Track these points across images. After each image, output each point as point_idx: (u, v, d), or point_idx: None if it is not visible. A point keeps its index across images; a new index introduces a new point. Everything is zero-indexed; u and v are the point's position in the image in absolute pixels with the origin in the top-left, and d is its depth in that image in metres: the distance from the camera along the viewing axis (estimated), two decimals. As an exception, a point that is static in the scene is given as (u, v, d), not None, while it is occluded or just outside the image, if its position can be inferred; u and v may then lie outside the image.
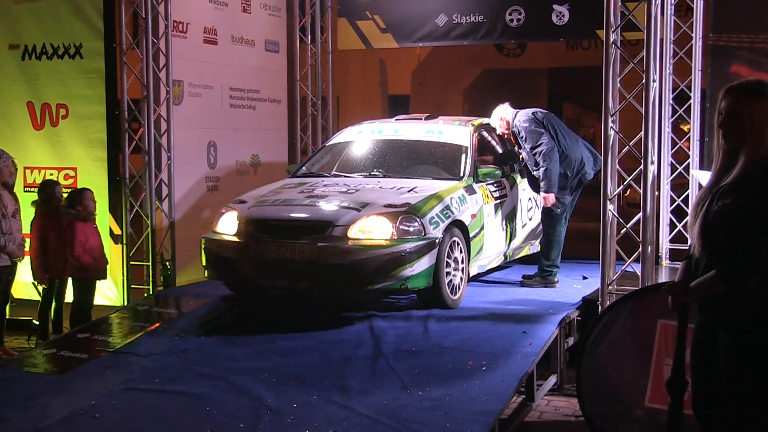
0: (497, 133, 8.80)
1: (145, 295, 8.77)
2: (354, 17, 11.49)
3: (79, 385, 5.93)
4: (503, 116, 8.63)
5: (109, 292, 9.06)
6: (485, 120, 9.30)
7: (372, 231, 7.19)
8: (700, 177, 7.66)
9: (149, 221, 8.84)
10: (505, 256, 8.94)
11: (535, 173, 8.44)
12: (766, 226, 3.66)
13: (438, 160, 8.72)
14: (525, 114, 8.51)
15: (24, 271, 8.40)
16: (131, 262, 8.93)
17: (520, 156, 8.73)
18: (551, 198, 8.36)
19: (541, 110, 8.62)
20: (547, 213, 8.46)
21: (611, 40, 7.15)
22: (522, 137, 8.45)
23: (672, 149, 9.57)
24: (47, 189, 8.37)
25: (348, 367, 6.06)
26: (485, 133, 9.22)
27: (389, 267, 7.05)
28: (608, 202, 7.22)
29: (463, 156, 8.47)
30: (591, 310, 7.39)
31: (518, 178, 9.09)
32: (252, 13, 10.68)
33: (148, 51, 8.77)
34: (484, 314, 7.39)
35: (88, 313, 8.14)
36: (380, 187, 7.91)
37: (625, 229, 7.27)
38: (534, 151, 8.33)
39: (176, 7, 9.06)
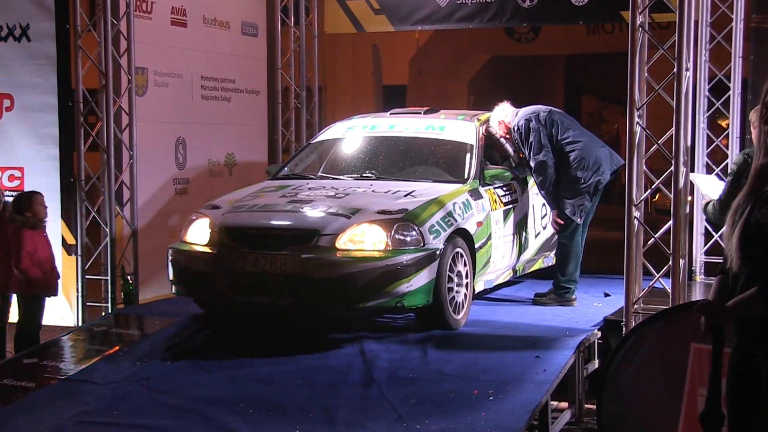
0: (498, 136, 8.81)
1: (103, 313, 8.75)
2: (344, -4, 11.52)
3: (25, 419, 5.90)
4: (501, 119, 8.68)
5: (61, 311, 9.03)
6: (493, 114, 9.32)
7: (363, 241, 7.18)
8: (700, 183, 7.65)
9: (108, 229, 8.83)
10: (516, 270, 8.94)
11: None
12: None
13: (439, 160, 8.71)
14: (523, 113, 8.60)
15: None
16: (87, 276, 8.91)
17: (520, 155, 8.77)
18: (554, 215, 8.50)
19: (544, 109, 8.63)
20: (573, 222, 8.45)
21: (638, 22, 7.16)
22: (519, 141, 8.54)
23: (708, 148, 9.57)
24: (-11, 193, 8.36)
25: (335, 397, 6.03)
26: (493, 129, 9.22)
27: (383, 282, 7.04)
28: (633, 209, 7.22)
29: (468, 155, 8.47)
30: (614, 332, 7.39)
31: (531, 181, 9.09)
32: (227, -9, 10.71)
33: (106, 33, 8.76)
34: (492, 336, 7.37)
35: (35, 335, 8.11)
36: (373, 191, 7.90)
37: (653, 239, 7.27)
38: (529, 160, 8.42)
39: (140, -17, 9.09)
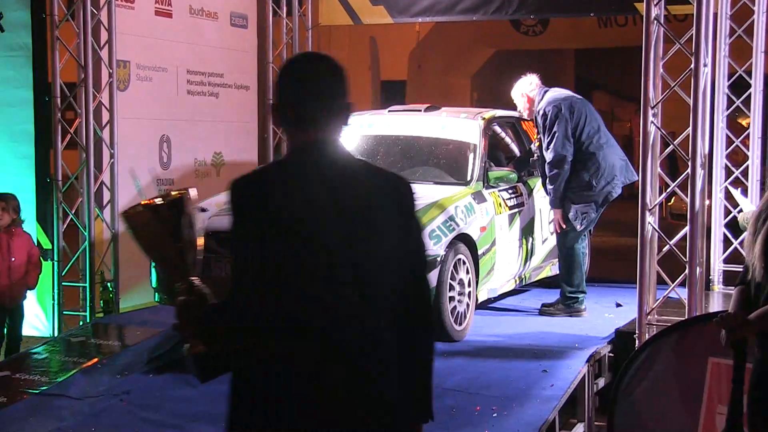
0: (518, 111, 8.72)
1: (81, 323, 8.73)
2: (339, -15, 11.53)
3: (-2, 434, 5.89)
4: (526, 92, 8.57)
5: (35, 320, 9.02)
6: (498, 112, 9.32)
7: (359, 246, 7.17)
8: (736, 193, 7.68)
9: (86, 233, 8.81)
10: (522, 278, 8.94)
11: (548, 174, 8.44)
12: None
13: (440, 161, 8.72)
14: (553, 98, 8.45)
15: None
16: (64, 283, 8.89)
17: (536, 144, 8.69)
18: (558, 215, 8.41)
19: (576, 98, 8.53)
20: (577, 227, 8.43)
21: (653, 14, 7.16)
22: (540, 126, 8.42)
23: (727, 149, 9.57)
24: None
25: (329, 413, 6.01)
26: (498, 129, 9.23)
27: (380, 290, 7.04)
28: (647, 213, 7.21)
29: (471, 156, 8.47)
30: (626, 345, 7.38)
31: (538, 183, 9.09)
32: (215, -20, 10.71)
33: (85, 24, 8.75)
34: (495, 349, 7.39)
35: (15, 345, 8.12)
36: (370, 193, 7.90)
37: (668, 246, 7.27)
38: (546, 149, 8.33)
39: (122, -29, 9.08)
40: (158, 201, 3.32)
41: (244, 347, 3.07)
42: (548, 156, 8.33)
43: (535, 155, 8.77)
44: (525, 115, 8.74)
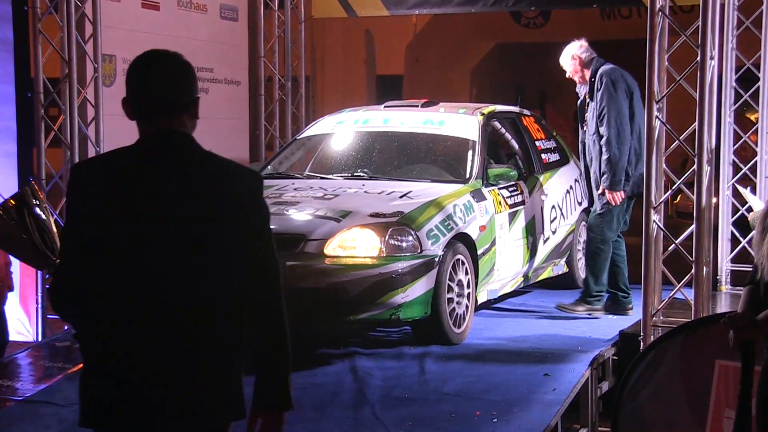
0: (567, 75, 8.59)
1: (65, 327, 8.72)
2: (333, -24, 11.53)
3: (-20, 443, 5.89)
4: (578, 54, 8.38)
5: (18, 324, 9.00)
6: (498, 107, 9.32)
7: (355, 247, 7.19)
8: (746, 193, 7.67)
9: (72, 234, 8.79)
10: (524, 278, 8.94)
11: (597, 154, 8.23)
12: None
13: (438, 158, 8.72)
14: (616, 70, 8.24)
15: None
16: (47, 286, 8.88)
17: (584, 122, 8.44)
18: (618, 196, 8.17)
19: (628, 75, 8.35)
20: (605, 220, 8.30)
21: (658, 6, 7.16)
22: (599, 92, 8.19)
23: (734, 145, 9.58)
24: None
25: (324, 418, 6.03)
26: (498, 124, 9.23)
27: (376, 292, 7.05)
28: (652, 212, 7.22)
29: (470, 153, 8.47)
30: (630, 347, 7.38)
31: (539, 180, 9.09)
32: (204, -29, 10.71)
33: (69, 17, 8.73)
34: (496, 352, 7.39)
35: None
36: (365, 192, 7.91)
37: (673, 245, 7.27)
38: (602, 123, 8.13)
39: (107, -39, 9.06)
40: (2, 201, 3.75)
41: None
42: (607, 131, 8.11)
43: (587, 125, 8.45)
44: (577, 79, 8.52)
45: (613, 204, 8.22)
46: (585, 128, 8.44)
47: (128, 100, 3.38)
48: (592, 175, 8.41)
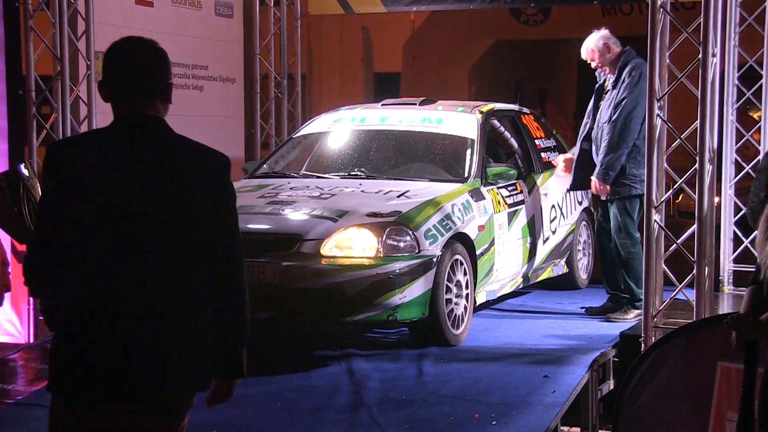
0: (588, 58, 8.47)
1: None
2: (330, -28, 11.53)
3: (-29, 446, 5.88)
4: (610, 43, 8.30)
5: (9, 326, 9.00)
6: (497, 105, 9.32)
7: (351, 247, 7.19)
8: None
9: (64, 233, 8.79)
10: (523, 279, 8.94)
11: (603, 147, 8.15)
12: None
13: (436, 157, 8.73)
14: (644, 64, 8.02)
15: None
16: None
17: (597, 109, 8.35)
18: (603, 189, 8.17)
19: None
20: (629, 222, 8.24)
21: (659, 2, 7.16)
22: (624, 84, 8.13)
23: (737, 143, 9.58)
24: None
25: (320, 422, 6.03)
26: (497, 123, 9.22)
27: (373, 293, 7.06)
28: (653, 211, 7.22)
29: (468, 151, 8.47)
30: (631, 349, 7.38)
31: (539, 179, 9.09)
32: (198, -33, 10.70)
33: (62, 13, 8.73)
34: (495, 353, 7.40)
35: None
36: (362, 191, 7.91)
37: (675, 245, 7.28)
38: (615, 112, 8.08)
39: (100, -43, 9.05)
40: None
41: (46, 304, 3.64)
42: (623, 120, 8.06)
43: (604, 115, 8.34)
44: (595, 64, 8.46)
45: (595, 192, 8.27)
46: (597, 116, 8.39)
47: (103, 84, 3.62)
48: (598, 164, 8.34)
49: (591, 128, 8.45)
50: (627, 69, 8.19)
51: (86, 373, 3.43)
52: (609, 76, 8.37)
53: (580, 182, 8.57)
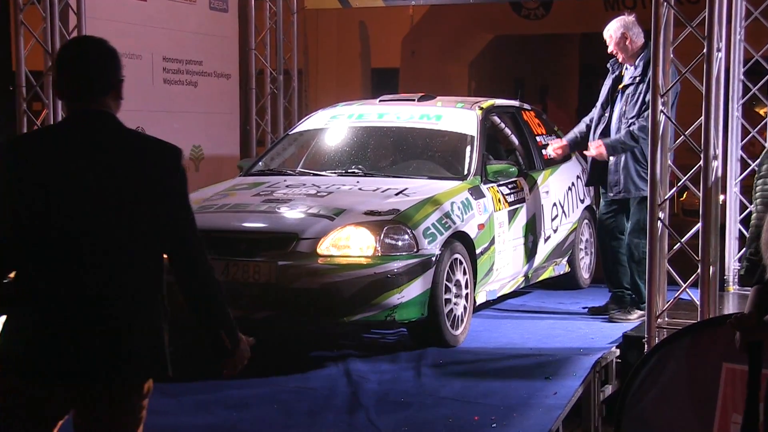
0: (609, 50, 8.39)
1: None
2: (326, -34, 11.53)
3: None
4: (629, 33, 8.22)
5: None
6: (497, 101, 9.31)
7: (349, 246, 7.19)
8: None
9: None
10: (524, 278, 8.94)
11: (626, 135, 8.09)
12: None
13: (435, 154, 8.72)
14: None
15: None
16: None
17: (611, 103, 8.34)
18: (601, 154, 8.14)
19: None
20: (642, 219, 8.14)
21: (662, -4, 7.16)
22: (640, 81, 8.10)
23: (742, 140, 9.57)
24: None
25: (317, 424, 6.03)
26: (497, 119, 9.22)
27: (371, 293, 7.06)
28: (657, 209, 7.21)
29: (468, 148, 8.47)
30: (634, 350, 7.39)
31: (540, 177, 9.09)
32: (192, -40, 10.70)
33: (52, 7, 8.73)
34: (495, 354, 7.40)
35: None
36: (360, 189, 7.91)
37: (679, 244, 7.27)
38: (645, 110, 7.91)
39: (92, -50, 9.04)
40: None
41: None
42: (640, 122, 8.02)
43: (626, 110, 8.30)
44: (620, 57, 8.40)
45: (590, 155, 8.28)
46: (613, 108, 8.35)
47: (55, 83, 3.82)
48: (612, 157, 8.32)
49: (602, 120, 8.41)
50: (637, 67, 8.18)
51: (41, 353, 3.55)
52: (627, 67, 8.34)
53: (595, 178, 8.55)
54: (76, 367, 3.56)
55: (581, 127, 8.79)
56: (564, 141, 8.90)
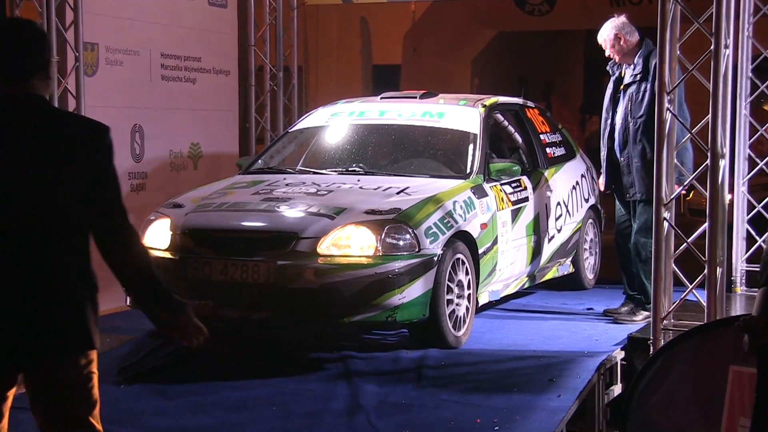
0: (606, 53, 8.40)
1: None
2: (327, -39, 11.53)
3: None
4: (622, 33, 8.21)
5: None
6: (500, 98, 9.30)
7: (349, 245, 7.18)
8: None
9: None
10: (527, 279, 8.93)
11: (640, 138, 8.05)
12: None
13: (437, 152, 8.72)
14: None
15: None
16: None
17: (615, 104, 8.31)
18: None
19: None
20: (650, 219, 8.08)
21: (669, -8, 7.15)
22: (643, 76, 8.10)
23: (750, 138, 9.56)
24: None
25: (316, 426, 6.02)
26: (500, 117, 9.21)
27: (372, 293, 7.06)
28: (663, 209, 7.20)
29: (471, 147, 8.46)
30: (640, 352, 7.39)
31: (544, 175, 9.08)
32: (191, -45, 10.68)
33: (49, 2, 8.70)
34: (497, 356, 7.40)
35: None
36: (361, 188, 7.90)
37: (685, 244, 7.26)
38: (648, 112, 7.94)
39: (89, -56, 9.03)
40: None
41: None
42: (642, 118, 8.03)
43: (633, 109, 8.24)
44: (616, 58, 8.39)
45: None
46: (616, 109, 8.33)
47: None
48: (622, 159, 8.29)
49: (608, 125, 8.41)
50: (654, 62, 8.14)
51: None
52: (626, 67, 8.33)
53: (612, 181, 8.52)
54: (6, 346, 3.68)
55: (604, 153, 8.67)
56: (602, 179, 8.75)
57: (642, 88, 8.15)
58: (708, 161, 7.07)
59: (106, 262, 3.86)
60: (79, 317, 3.77)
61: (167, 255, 7.45)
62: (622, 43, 8.28)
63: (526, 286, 9.04)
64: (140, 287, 3.96)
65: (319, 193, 7.74)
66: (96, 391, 3.88)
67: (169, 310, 3.93)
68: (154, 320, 3.96)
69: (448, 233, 7.49)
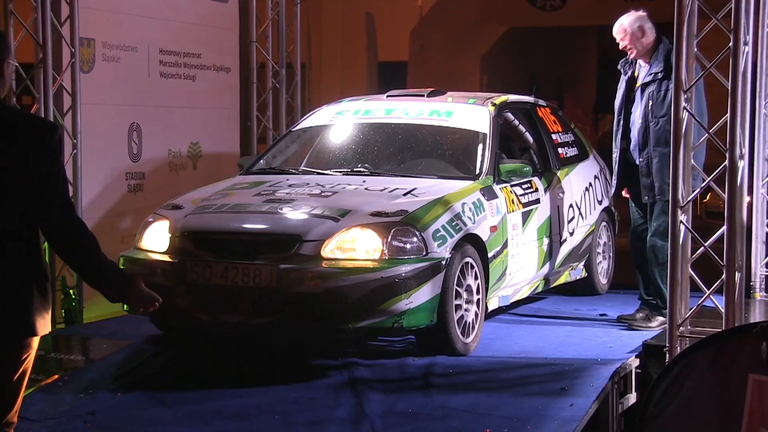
0: (618, 38, 8.37)
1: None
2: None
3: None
4: (645, 27, 8.20)
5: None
6: (511, 97, 9.30)
7: (354, 248, 7.20)
8: None
9: (46, 233, 8.80)
10: (538, 283, 8.93)
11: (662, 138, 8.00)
12: None
13: (445, 152, 8.72)
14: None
15: None
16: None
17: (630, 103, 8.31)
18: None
19: None
20: (667, 221, 8.05)
21: (686, -13, 7.14)
22: (660, 74, 8.10)
23: (770, 138, 9.56)
24: None
25: (319, 437, 6.02)
26: (510, 116, 9.21)
27: (378, 298, 7.05)
28: (679, 211, 7.20)
29: (480, 146, 8.46)
30: (655, 360, 7.38)
31: (556, 177, 9.07)
32: (191, -52, 10.69)
33: (45, -3, 8.74)
34: (507, 363, 7.39)
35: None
36: (366, 189, 7.91)
37: (702, 248, 7.25)
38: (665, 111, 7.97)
39: (85, -64, 9.04)
40: None
41: None
42: (661, 119, 8.02)
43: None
44: (623, 45, 8.38)
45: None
46: (630, 109, 8.32)
47: None
48: (641, 160, 8.27)
49: (624, 124, 8.40)
50: (659, 68, 8.15)
51: None
52: (641, 64, 8.32)
53: (624, 183, 8.51)
54: None
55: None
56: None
57: (664, 87, 8.14)
58: (726, 162, 7.06)
59: (56, 253, 4.21)
60: (21, 303, 4.04)
61: (166, 258, 7.46)
62: (643, 38, 8.27)
63: (537, 291, 9.04)
64: (89, 271, 4.22)
65: (323, 194, 7.74)
66: (23, 382, 4.19)
67: (118, 291, 4.21)
68: (108, 297, 4.24)
69: (457, 236, 7.49)
